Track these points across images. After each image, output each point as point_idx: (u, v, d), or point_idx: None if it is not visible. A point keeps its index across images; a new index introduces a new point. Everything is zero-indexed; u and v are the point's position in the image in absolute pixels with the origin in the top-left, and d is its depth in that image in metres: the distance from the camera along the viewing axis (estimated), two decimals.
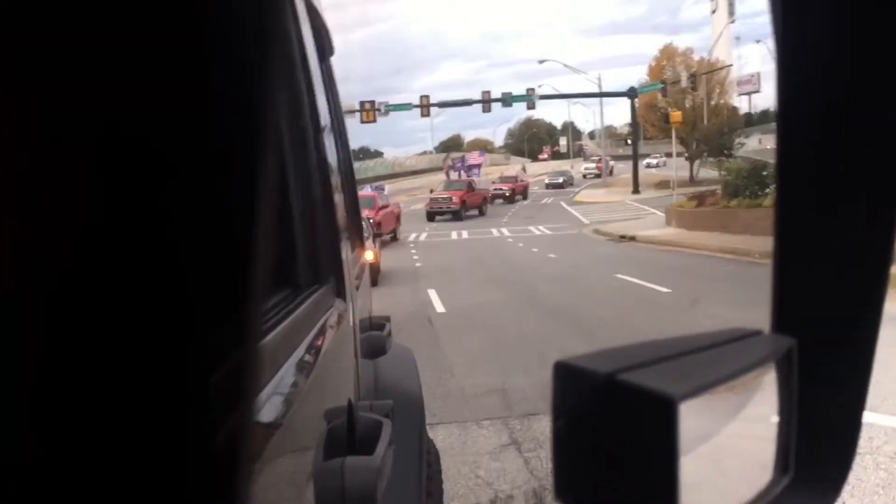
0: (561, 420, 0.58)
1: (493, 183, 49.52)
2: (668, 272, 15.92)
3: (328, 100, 2.69)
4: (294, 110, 1.63)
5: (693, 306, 11.22)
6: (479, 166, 53.01)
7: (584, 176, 70.43)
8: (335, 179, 2.34)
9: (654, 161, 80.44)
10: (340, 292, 1.88)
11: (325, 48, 2.39)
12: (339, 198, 2.31)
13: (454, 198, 37.24)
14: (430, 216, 36.76)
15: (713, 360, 0.63)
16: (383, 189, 40.34)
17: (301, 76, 1.68)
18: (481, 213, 39.69)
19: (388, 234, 24.77)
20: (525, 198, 50.14)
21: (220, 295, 0.38)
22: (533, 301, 12.77)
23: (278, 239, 1.45)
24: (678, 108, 46.97)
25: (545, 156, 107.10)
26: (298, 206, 1.55)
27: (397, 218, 28.60)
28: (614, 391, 0.56)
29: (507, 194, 47.70)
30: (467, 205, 37.84)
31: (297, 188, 1.57)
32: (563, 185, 59.27)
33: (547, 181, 60.42)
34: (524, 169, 59.60)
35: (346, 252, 2.11)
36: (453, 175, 51.36)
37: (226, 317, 0.38)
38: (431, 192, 39.51)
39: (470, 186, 39.56)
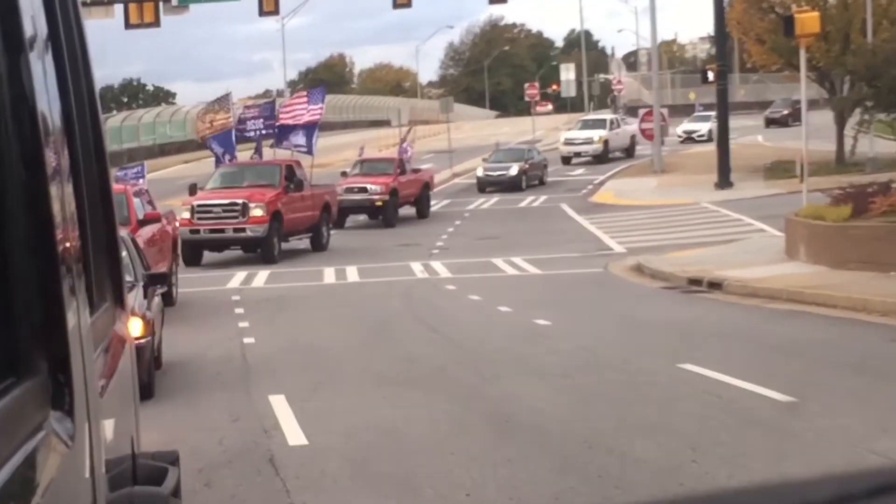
0: None
1: (345, 177, 47.53)
2: (789, 358, 16.25)
3: None
4: None
5: (837, 432, 11.50)
6: (307, 129, 45.01)
7: (567, 159, 69.20)
8: (54, 152, 2.30)
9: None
10: (61, 401, 1.91)
11: None
12: (60, 193, 2.27)
13: (248, 204, 35.57)
14: (189, 251, 35.23)
15: None
16: (141, 176, 38.87)
17: None
18: (318, 246, 39.11)
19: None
20: (422, 212, 48.72)
21: None
22: (499, 426, 12.87)
23: None
24: (812, 4, 48.36)
25: (545, 106, 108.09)
26: None
27: (173, 245, 28.36)
28: None
29: (378, 203, 45.82)
30: (281, 224, 36.55)
31: None
32: (516, 180, 58.25)
33: (482, 172, 59.47)
34: (407, 139, 55.94)
35: (76, 317, 2.10)
36: (224, 155, 43.78)
37: None
38: (193, 191, 37.75)
39: (288, 178, 37.65)
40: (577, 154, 71.15)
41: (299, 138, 44.22)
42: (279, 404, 14.24)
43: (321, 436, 12.52)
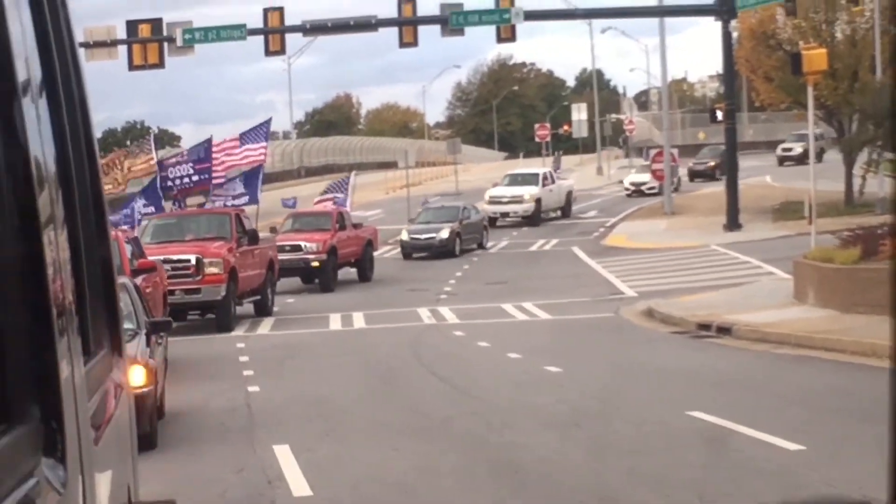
0: None
1: (275, 233, 41.28)
2: (797, 405, 16.28)
3: (36, 23, 2.73)
4: None
5: (847, 482, 11.46)
6: (246, 176, 41.62)
7: (493, 220, 59.64)
8: (48, 199, 2.33)
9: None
10: (53, 448, 1.92)
11: None
12: (54, 241, 2.29)
13: (202, 260, 30.41)
14: None
15: None
16: (131, 222, 36.74)
17: None
18: (263, 310, 34.32)
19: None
20: (364, 275, 43.93)
21: None
22: (508, 478, 12.93)
23: None
24: (819, 40, 48.41)
25: (589, 157, 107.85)
26: None
27: (164, 298, 27.12)
28: None
29: (315, 264, 40.58)
30: (237, 284, 31.41)
31: None
32: (448, 245, 50.54)
33: (406, 236, 51.44)
34: (348, 189, 52.85)
35: (70, 364, 2.11)
36: (122, 214, 37.70)
37: None
38: None
39: (240, 230, 32.69)
40: (504, 214, 63.34)
41: (236, 186, 40.30)
42: (284, 455, 14.24)
43: (326, 487, 12.52)
